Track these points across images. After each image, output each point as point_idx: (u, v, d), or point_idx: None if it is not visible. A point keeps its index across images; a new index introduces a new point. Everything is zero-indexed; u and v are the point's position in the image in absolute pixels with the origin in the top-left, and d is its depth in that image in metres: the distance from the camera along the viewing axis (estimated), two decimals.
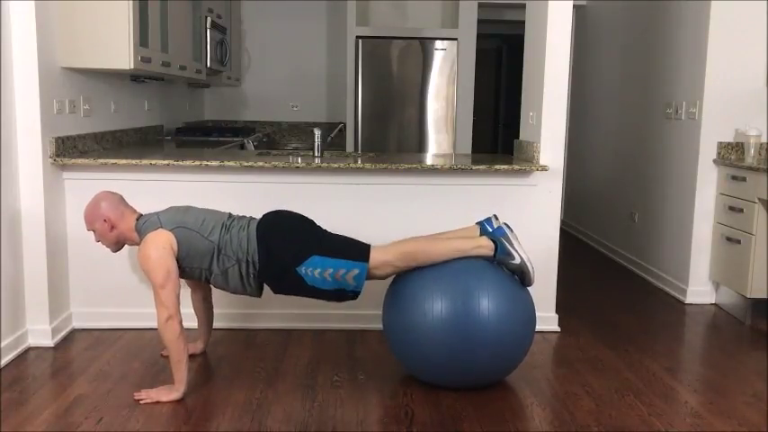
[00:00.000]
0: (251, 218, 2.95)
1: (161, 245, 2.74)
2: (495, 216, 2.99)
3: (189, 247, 2.79)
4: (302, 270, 2.77)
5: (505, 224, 2.91)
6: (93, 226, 2.89)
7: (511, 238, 2.85)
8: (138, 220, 2.88)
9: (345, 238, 2.92)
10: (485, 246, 2.84)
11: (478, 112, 8.89)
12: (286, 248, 2.79)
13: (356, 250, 2.81)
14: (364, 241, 2.95)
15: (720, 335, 3.76)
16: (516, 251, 2.83)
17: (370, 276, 2.84)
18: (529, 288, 2.95)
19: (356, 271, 2.78)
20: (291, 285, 2.82)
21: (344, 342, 3.51)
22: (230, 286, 2.87)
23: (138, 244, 2.88)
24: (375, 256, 2.81)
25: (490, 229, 2.93)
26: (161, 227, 2.80)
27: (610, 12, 5.89)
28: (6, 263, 3.16)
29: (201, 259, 2.81)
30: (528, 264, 2.83)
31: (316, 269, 2.77)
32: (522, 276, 2.87)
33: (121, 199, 2.94)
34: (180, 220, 2.83)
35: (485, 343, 2.73)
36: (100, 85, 3.96)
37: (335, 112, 6.84)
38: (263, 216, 2.93)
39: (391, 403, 2.79)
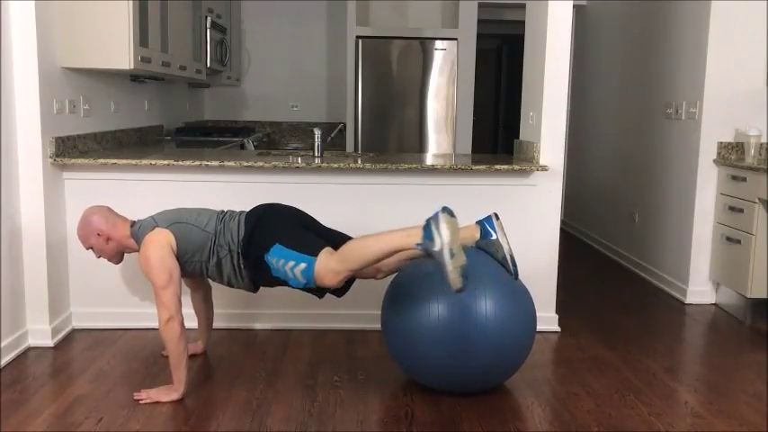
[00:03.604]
0: (242, 211, 2.93)
1: (160, 245, 2.74)
2: (495, 215, 2.92)
3: (187, 242, 2.79)
4: (269, 258, 2.72)
5: (445, 207, 2.53)
6: (89, 242, 2.89)
7: (441, 224, 2.46)
8: (132, 226, 2.89)
9: (321, 235, 2.83)
10: (413, 233, 2.54)
11: (478, 112, 8.89)
12: (260, 236, 2.76)
13: (313, 246, 2.71)
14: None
15: (720, 335, 3.76)
16: (441, 238, 2.45)
17: (320, 283, 2.68)
18: (529, 288, 2.94)
19: (303, 266, 2.67)
20: (266, 276, 2.77)
21: (344, 342, 3.51)
22: (225, 278, 2.86)
23: (136, 250, 2.88)
24: (321, 261, 2.65)
25: (491, 230, 2.87)
26: (157, 226, 2.80)
27: (610, 12, 5.89)
28: (6, 263, 3.16)
29: (201, 252, 2.81)
30: (446, 255, 2.43)
31: (279, 259, 2.70)
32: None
33: (110, 210, 2.94)
34: (175, 218, 2.84)
35: (485, 346, 2.71)
36: (100, 85, 3.96)
37: (335, 112, 6.84)
38: (255, 206, 2.92)
39: (391, 403, 2.79)
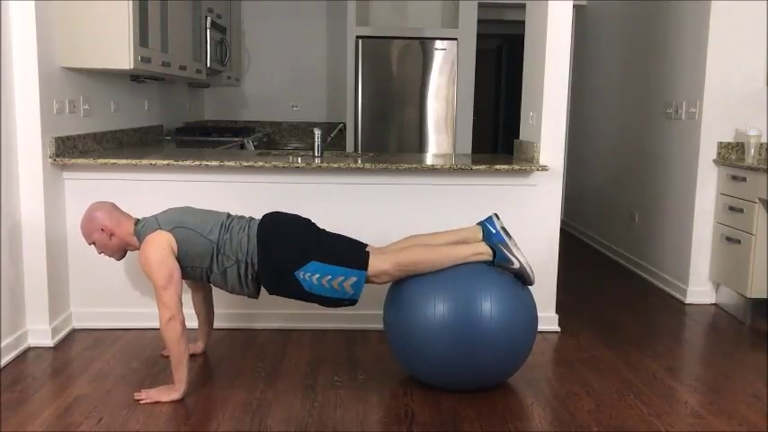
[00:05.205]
0: (251, 218, 2.95)
1: (160, 246, 2.74)
2: (495, 215, 2.96)
3: (188, 247, 2.79)
4: (300, 275, 2.76)
5: (503, 229, 2.89)
6: (92, 238, 2.89)
7: (509, 244, 2.84)
8: (136, 224, 2.89)
9: (344, 242, 2.90)
10: (483, 252, 2.84)
11: (478, 112, 8.89)
12: (285, 252, 2.79)
13: (355, 257, 2.80)
14: (364, 242, 2.95)
15: (720, 335, 3.76)
16: (515, 256, 2.83)
17: (366, 282, 2.83)
18: (529, 288, 2.95)
19: (354, 279, 2.77)
20: (288, 289, 2.82)
21: (344, 342, 3.51)
22: (228, 286, 2.87)
23: (138, 248, 2.88)
24: (373, 265, 2.79)
25: (492, 230, 2.89)
26: (159, 228, 2.80)
27: (610, 12, 5.89)
28: (6, 263, 3.16)
29: (201, 259, 2.81)
30: (527, 267, 2.84)
31: (314, 275, 2.76)
32: (522, 279, 2.88)
33: (114, 206, 2.94)
34: (178, 220, 2.83)
35: (486, 345, 2.72)
36: (100, 85, 3.96)
37: (335, 112, 6.84)
38: (264, 217, 2.93)
39: (391, 403, 2.79)
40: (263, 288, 2.94)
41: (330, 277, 2.76)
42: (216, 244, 2.81)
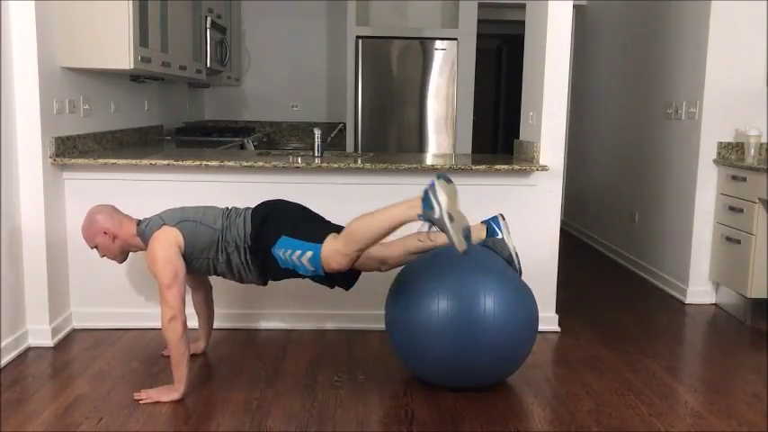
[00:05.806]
0: (248, 207, 2.95)
1: (168, 243, 2.74)
2: (501, 215, 2.98)
3: (195, 239, 2.79)
4: (276, 251, 2.75)
5: (440, 174, 2.54)
6: (94, 242, 2.89)
7: (438, 191, 2.45)
8: (138, 225, 2.89)
9: (320, 221, 2.88)
10: (416, 206, 2.52)
11: (478, 112, 8.89)
12: (267, 231, 2.78)
13: (315, 233, 2.74)
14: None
15: (720, 335, 3.76)
16: (440, 204, 2.44)
17: (328, 268, 2.69)
18: (529, 288, 2.95)
19: (310, 253, 2.70)
20: (272, 268, 2.81)
21: (344, 342, 3.51)
22: (234, 274, 2.88)
23: (143, 248, 2.88)
24: (328, 244, 2.68)
25: (496, 228, 2.93)
26: (165, 224, 2.80)
27: (610, 12, 5.89)
28: (6, 263, 3.16)
29: (208, 249, 2.81)
30: (446, 220, 2.42)
31: (281, 249, 2.74)
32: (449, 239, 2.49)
33: (115, 208, 2.94)
34: (182, 216, 2.84)
35: (488, 343, 2.72)
36: (100, 85, 3.96)
37: (335, 112, 6.84)
38: (261, 202, 2.94)
39: (391, 403, 2.79)
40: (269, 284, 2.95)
41: (291, 251, 2.73)
42: (221, 231, 2.81)
